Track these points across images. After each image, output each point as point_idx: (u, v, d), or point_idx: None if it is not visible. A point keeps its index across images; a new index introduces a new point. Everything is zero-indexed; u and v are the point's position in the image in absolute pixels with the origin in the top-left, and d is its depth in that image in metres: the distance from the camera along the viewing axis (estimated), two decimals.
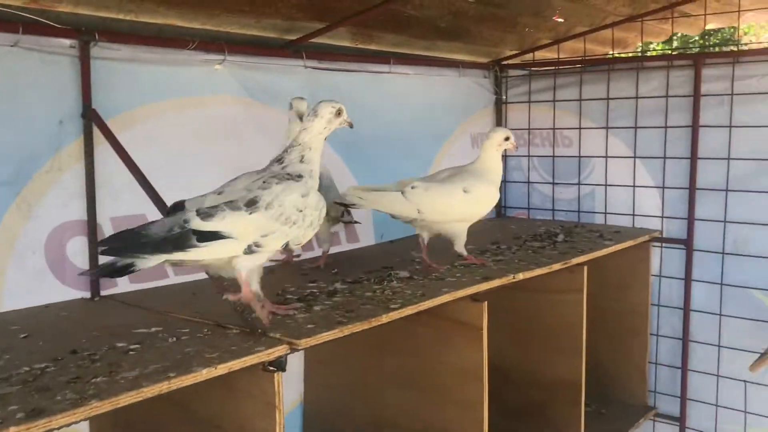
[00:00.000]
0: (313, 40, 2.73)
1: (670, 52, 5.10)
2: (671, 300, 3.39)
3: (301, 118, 2.33)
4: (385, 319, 1.88)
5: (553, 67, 3.66)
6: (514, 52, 3.70)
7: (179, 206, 1.75)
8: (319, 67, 2.86)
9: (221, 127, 2.55)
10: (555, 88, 3.63)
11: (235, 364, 1.52)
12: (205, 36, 2.46)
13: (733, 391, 3.22)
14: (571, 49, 3.80)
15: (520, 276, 2.40)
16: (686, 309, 3.32)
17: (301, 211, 1.77)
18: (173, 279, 2.40)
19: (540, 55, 3.74)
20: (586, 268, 2.73)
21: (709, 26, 3.80)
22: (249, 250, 1.71)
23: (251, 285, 1.75)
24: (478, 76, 3.70)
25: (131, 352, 1.60)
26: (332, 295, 2.11)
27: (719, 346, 3.25)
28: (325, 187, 2.33)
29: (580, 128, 3.56)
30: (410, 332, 2.36)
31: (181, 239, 1.62)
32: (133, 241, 1.60)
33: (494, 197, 2.56)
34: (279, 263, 2.63)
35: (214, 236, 1.65)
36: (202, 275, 2.32)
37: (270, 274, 2.48)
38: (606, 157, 3.50)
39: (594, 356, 2.87)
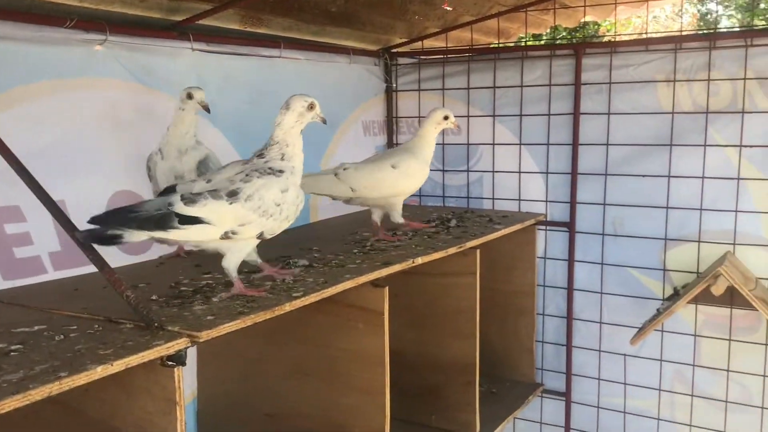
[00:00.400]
0: (200, 22, 2.62)
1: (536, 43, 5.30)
2: (556, 280, 3.54)
3: (206, 109, 2.32)
4: (288, 307, 1.84)
5: (442, 56, 3.71)
6: (403, 40, 3.72)
7: (172, 189, 1.91)
8: (207, 50, 2.75)
9: (103, 111, 2.39)
10: (444, 77, 3.68)
11: (133, 360, 1.43)
12: (83, 14, 2.29)
13: (613, 364, 3.42)
14: (458, 38, 3.86)
15: (419, 260, 2.41)
16: (570, 288, 3.48)
17: (278, 205, 1.91)
18: (53, 274, 2.24)
19: (428, 43, 3.78)
20: (478, 251, 2.80)
21: (585, 18, 3.99)
22: (225, 236, 1.85)
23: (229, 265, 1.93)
24: (368, 63, 3.69)
25: (13, 353, 1.47)
26: (230, 286, 2.02)
27: (601, 322, 3.43)
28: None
29: (468, 116, 3.63)
30: (309, 320, 2.32)
31: (163, 220, 1.75)
32: (121, 216, 1.73)
33: (422, 171, 2.66)
34: (170, 255, 2.51)
35: (194, 220, 1.78)
36: (84, 270, 2.20)
37: (160, 266, 2.39)
38: (493, 144, 3.59)
39: (484, 337, 2.94)
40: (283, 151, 1.96)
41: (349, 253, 2.45)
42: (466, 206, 3.69)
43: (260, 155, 1.97)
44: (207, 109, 2.34)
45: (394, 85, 3.80)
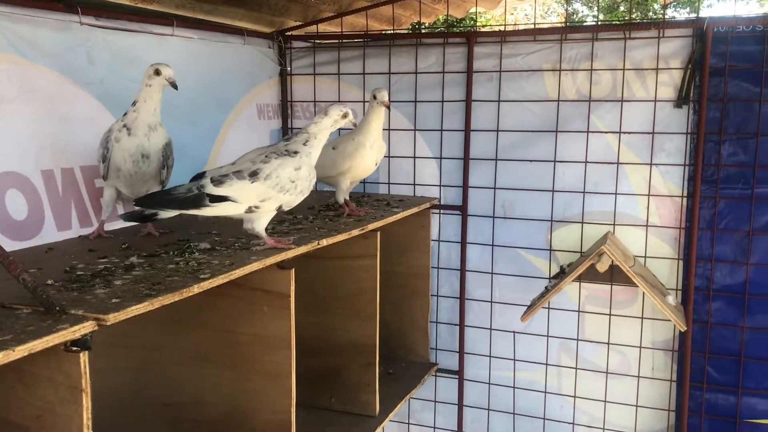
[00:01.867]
0: None
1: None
2: (449, 262, 3.64)
3: (174, 85, 2.37)
4: (196, 289, 1.79)
5: (337, 41, 3.70)
6: (298, 24, 3.69)
7: (201, 175, 2.17)
8: (97, 25, 2.60)
9: None
10: (339, 62, 3.68)
11: (37, 345, 1.34)
12: None
13: (503, 341, 3.57)
14: (352, 24, 3.88)
15: (324, 242, 2.41)
16: (462, 270, 3.59)
17: (293, 181, 2.20)
18: None
19: (323, 28, 3.77)
20: (379, 233, 2.83)
21: (475, 9, 4.11)
22: (249, 210, 2.16)
23: (258, 228, 2.22)
24: (262, 45, 3.63)
25: None
26: (130, 270, 1.95)
27: (492, 301, 3.57)
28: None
29: (363, 101, 3.65)
30: (211, 305, 2.27)
31: (197, 199, 2.07)
32: (160, 199, 2.10)
33: (361, 151, 2.84)
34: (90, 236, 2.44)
35: (222, 199, 2.09)
36: None
37: (50, 252, 2.25)
38: (389, 129, 3.63)
39: (380, 319, 2.98)
40: (308, 139, 2.27)
41: (251, 236, 2.41)
42: (363, 191, 3.72)
43: (287, 138, 2.29)
44: (174, 86, 2.37)
45: (289, 68, 3.76)
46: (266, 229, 2.26)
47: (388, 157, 3.65)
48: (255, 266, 2.04)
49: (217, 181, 2.10)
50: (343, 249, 2.77)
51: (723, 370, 3.17)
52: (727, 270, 3.13)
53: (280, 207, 2.22)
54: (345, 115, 2.33)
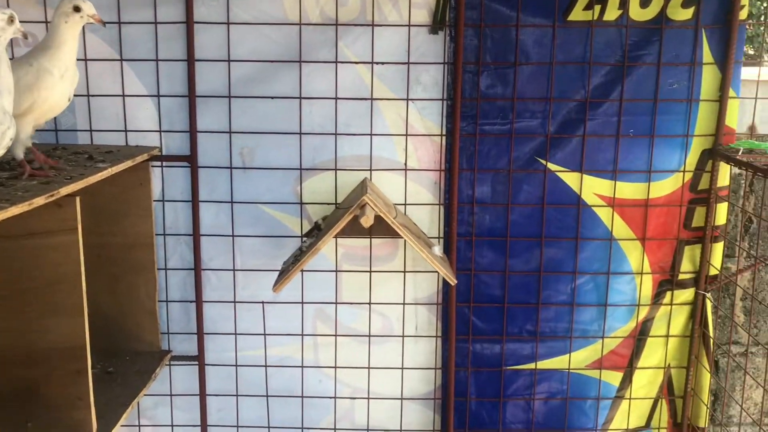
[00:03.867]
0: None
1: None
2: (178, 226, 2.96)
3: None
4: None
5: None
6: None
7: None
8: None
9: None
10: None
11: None
12: None
13: (250, 315, 3.01)
14: None
15: None
16: (196, 234, 2.94)
17: None
18: None
19: None
20: (78, 199, 2.09)
21: None
22: None
23: None
24: None
25: None
26: None
27: (234, 270, 2.98)
28: None
29: (46, 22, 2.75)
30: None
31: None
32: None
33: (46, 80, 2.10)
34: None
35: None
36: None
37: None
38: (85, 60, 2.79)
39: (94, 305, 2.28)
40: None
41: None
42: (56, 141, 2.85)
43: None
44: None
45: None
46: None
47: (88, 96, 2.84)
48: None
49: None
50: (28, 223, 2.03)
51: (487, 318, 2.99)
52: (489, 213, 2.91)
53: None
54: (11, 20, 1.79)
